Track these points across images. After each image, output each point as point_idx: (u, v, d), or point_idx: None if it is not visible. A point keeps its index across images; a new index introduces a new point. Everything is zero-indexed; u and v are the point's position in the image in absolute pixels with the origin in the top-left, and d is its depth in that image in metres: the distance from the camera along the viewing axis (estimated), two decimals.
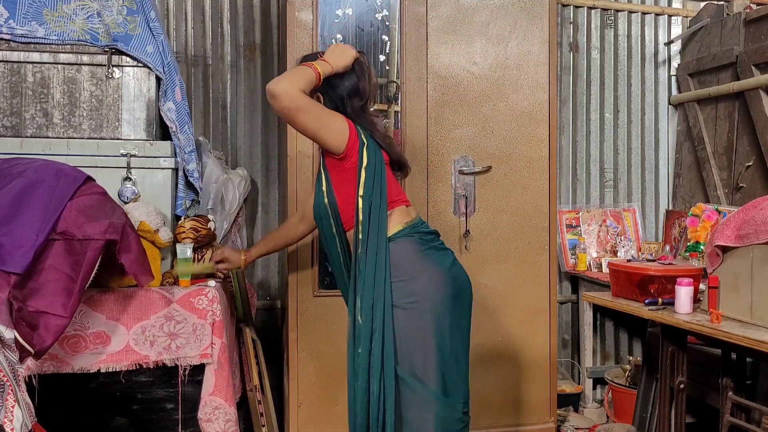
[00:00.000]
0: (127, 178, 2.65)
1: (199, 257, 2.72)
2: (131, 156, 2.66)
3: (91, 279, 2.15)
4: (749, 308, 2.19)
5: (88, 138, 2.70)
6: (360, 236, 2.08)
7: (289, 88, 2.02)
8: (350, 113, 2.15)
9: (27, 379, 2.24)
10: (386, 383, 1.99)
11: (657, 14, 4.20)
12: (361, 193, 2.09)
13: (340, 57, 2.16)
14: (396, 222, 2.14)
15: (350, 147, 2.11)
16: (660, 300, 2.47)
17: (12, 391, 1.89)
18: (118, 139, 2.73)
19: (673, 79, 4.23)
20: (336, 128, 2.10)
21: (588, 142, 4.09)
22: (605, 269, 3.69)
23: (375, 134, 2.17)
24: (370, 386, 1.99)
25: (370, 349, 2.01)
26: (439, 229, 3.02)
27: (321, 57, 2.14)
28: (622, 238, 3.95)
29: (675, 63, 4.22)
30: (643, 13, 4.18)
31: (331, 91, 2.16)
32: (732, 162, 3.78)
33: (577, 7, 4.06)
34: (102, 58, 2.72)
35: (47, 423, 2.24)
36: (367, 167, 2.10)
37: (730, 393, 2.37)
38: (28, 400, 1.96)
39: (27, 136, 2.67)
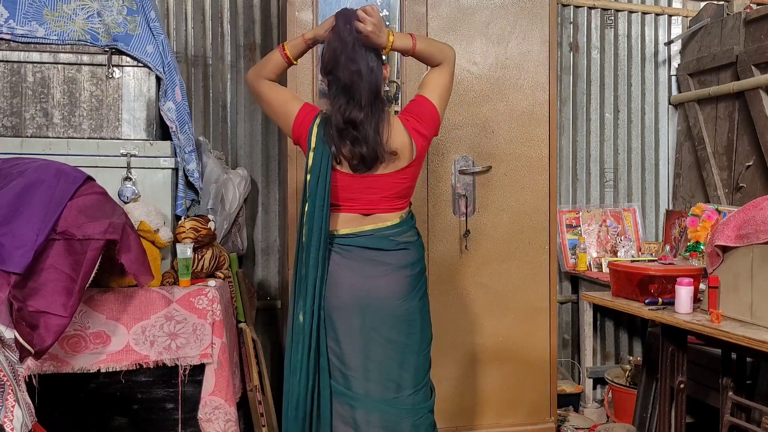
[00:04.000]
0: (127, 178, 2.65)
1: (199, 257, 2.72)
2: (131, 156, 2.66)
3: (91, 279, 2.15)
4: (749, 308, 2.19)
5: (88, 138, 2.70)
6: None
7: (249, 74, 2.12)
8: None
9: (27, 379, 2.24)
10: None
11: (657, 14, 4.20)
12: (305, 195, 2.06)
13: (318, 27, 2.11)
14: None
15: (296, 140, 2.10)
16: (660, 300, 2.47)
17: (12, 390, 1.89)
18: (118, 139, 2.73)
19: (673, 79, 4.23)
20: (282, 118, 2.09)
21: (588, 142, 4.09)
22: (605, 269, 3.69)
23: (327, 125, 2.03)
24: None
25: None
26: (439, 229, 3.05)
27: None
28: (622, 238, 3.95)
29: (675, 63, 4.22)
30: (643, 13, 4.18)
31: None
32: (732, 162, 3.79)
33: (577, 7, 4.06)
34: (102, 58, 2.72)
35: (47, 423, 2.24)
36: (311, 168, 2.03)
37: (730, 393, 2.37)
38: (28, 400, 1.97)
39: (27, 136, 2.67)
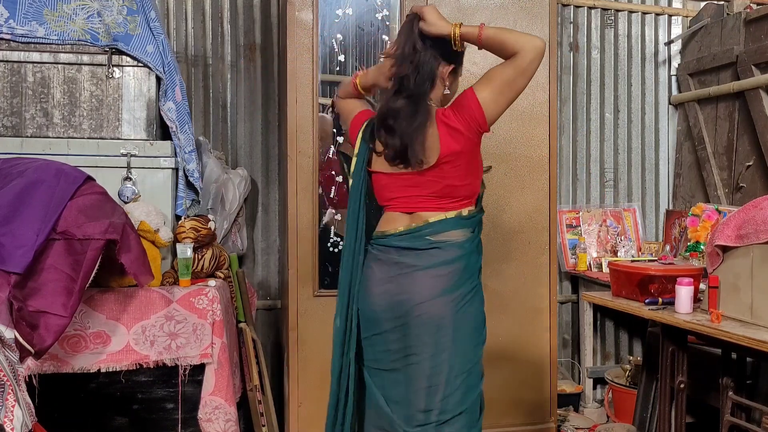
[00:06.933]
0: (127, 178, 2.65)
1: (199, 257, 2.72)
2: (131, 156, 2.66)
3: (91, 279, 2.15)
4: (749, 308, 2.19)
5: (88, 138, 2.71)
6: None
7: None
8: None
9: (27, 379, 2.24)
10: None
11: (657, 14, 4.20)
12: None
13: (376, 71, 2.09)
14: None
15: (352, 145, 2.08)
16: (660, 300, 2.47)
17: (12, 390, 1.89)
18: (119, 139, 2.73)
19: (674, 78, 4.23)
20: (345, 127, 2.16)
21: (588, 142, 4.09)
22: (605, 269, 3.69)
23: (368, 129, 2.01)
24: None
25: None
26: None
27: None
28: (623, 238, 3.95)
29: (675, 63, 4.22)
30: (644, 13, 4.18)
31: None
32: (732, 162, 3.78)
33: (577, 7, 4.06)
34: (102, 58, 2.72)
35: (47, 423, 2.24)
36: (353, 172, 2.03)
37: (730, 393, 2.37)
38: (29, 400, 1.97)
39: (27, 136, 2.67)
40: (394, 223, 1.99)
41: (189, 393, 2.55)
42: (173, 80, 2.78)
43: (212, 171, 3.07)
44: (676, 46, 4.22)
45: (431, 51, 1.95)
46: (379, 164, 1.99)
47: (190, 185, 2.82)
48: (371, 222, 2.06)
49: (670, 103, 4.23)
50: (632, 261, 3.15)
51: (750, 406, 2.34)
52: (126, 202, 2.60)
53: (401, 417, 1.93)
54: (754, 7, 3.76)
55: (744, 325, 2.16)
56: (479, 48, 1.95)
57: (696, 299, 2.42)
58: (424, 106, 1.92)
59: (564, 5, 4.02)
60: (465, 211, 1.98)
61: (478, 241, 2.04)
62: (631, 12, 4.15)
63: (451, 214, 1.96)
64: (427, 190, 1.96)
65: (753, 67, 3.59)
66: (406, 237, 1.95)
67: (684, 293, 2.34)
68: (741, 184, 3.68)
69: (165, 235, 2.57)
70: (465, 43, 1.95)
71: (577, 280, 3.95)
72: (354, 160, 2.02)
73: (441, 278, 1.93)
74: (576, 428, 3.40)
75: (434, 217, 1.95)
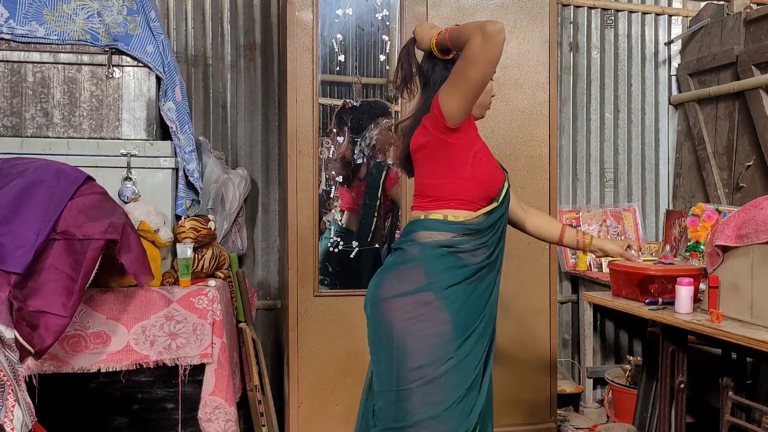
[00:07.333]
0: (127, 178, 2.65)
1: (199, 257, 2.72)
2: (131, 156, 2.66)
3: (91, 279, 2.15)
4: (749, 308, 2.18)
5: (88, 138, 2.71)
6: None
7: None
8: None
9: (27, 379, 2.24)
10: None
11: (657, 14, 4.20)
12: None
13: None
14: None
15: None
16: (660, 300, 2.47)
17: (12, 390, 1.89)
18: (119, 139, 2.73)
19: (674, 78, 4.23)
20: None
21: (588, 142, 4.09)
22: (605, 269, 3.69)
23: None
24: None
25: None
26: None
27: None
28: (623, 238, 3.95)
29: (675, 63, 4.22)
30: (644, 13, 4.18)
31: None
32: (732, 162, 3.78)
33: (577, 7, 4.06)
34: (102, 58, 2.72)
35: (47, 423, 2.24)
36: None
37: (731, 393, 2.37)
38: (29, 400, 1.97)
39: (27, 136, 2.67)
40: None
41: (189, 393, 2.55)
42: (173, 80, 2.78)
43: (212, 171, 3.07)
44: (676, 46, 4.22)
45: (433, 61, 2.01)
46: None
47: (190, 185, 2.82)
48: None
49: (670, 103, 4.23)
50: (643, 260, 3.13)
51: (750, 406, 2.34)
52: (126, 202, 2.60)
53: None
54: (754, 7, 3.75)
55: (744, 325, 2.16)
56: (454, 50, 1.93)
57: (696, 299, 2.42)
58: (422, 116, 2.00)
59: (564, 5, 4.02)
60: (433, 212, 1.92)
61: (454, 255, 1.88)
62: (631, 12, 4.15)
63: (424, 214, 1.94)
64: (415, 189, 2.03)
65: (753, 67, 3.59)
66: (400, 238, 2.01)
67: (684, 293, 2.33)
68: (741, 184, 3.68)
69: (165, 235, 2.57)
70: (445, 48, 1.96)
71: (577, 280, 3.95)
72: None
73: (391, 279, 1.88)
74: (576, 428, 3.40)
75: (412, 216, 2.00)
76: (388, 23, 2.98)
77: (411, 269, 1.87)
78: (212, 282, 2.60)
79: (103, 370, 2.40)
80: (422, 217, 1.94)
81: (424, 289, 1.83)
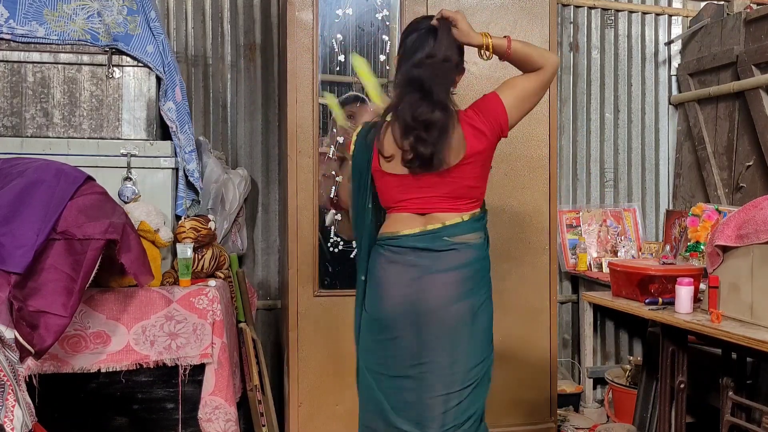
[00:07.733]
0: (127, 178, 2.65)
1: (199, 257, 2.72)
2: (131, 156, 2.66)
3: (91, 279, 2.15)
4: (749, 308, 2.19)
5: (88, 138, 2.71)
6: None
7: None
8: None
9: (27, 379, 2.24)
10: None
11: (657, 14, 4.20)
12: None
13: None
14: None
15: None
16: (660, 300, 2.47)
17: (12, 390, 1.89)
18: (119, 138, 2.73)
19: (674, 78, 4.23)
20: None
21: (588, 142, 4.09)
22: (605, 269, 3.69)
23: (373, 130, 2.00)
24: None
25: None
26: None
27: None
28: (623, 238, 3.95)
29: (675, 63, 4.22)
30: (644, 13, 4.18)
31: None
32: (732, 162, 3.78)
33: (577, 7, 4.06)
34: (102, 58, 2.72)
35: (47, 423, 2.24)
36: (351, 175, 2.05)
37: (731, 393, 2.37)
38: (29, 400, 1.97)
39: (27, 136, 2.67)
40: (407, 223, 1.96)
41: (189, 393, 2.55)
42: (173, 80, 2.78)
43: (212, 171, 3.07)
44: (676, 46, 4.22)
45: (460, 58, 2.00)
46: (390, 167, 1.96)
47: (190, 185, 2.82)
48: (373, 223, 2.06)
49: (670, 103, 4.23)
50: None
51: (750, 406, 2.34)
52: (126, 202, 2.60)
53: (411, 423, 1.90)
54: (754, 7, 3.76)
55: (744, 325, 2.16)
56: (501, 59, 2.00)
57: (696, 299, 2.42)
58: (453, 114, 1.93)
59: (564, 5, 4.01)
60: (477, 213, 2.00)
61: (488, 246, 2.04)
62: (631, 12, 4.15)
63: (466, 215, 1.97)
64: (442, 190, 1.95)
65: (753, 67, 3.59)
66: (424, 238, 1.93)
67: (684, 293, 2.33)
68: (741, 184, 3.68)
69: (165, 235, 2.57)
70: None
71: (577, 280, 3.95)
72: (351, 163, 2.04)
73: (458, 283, 1.92)
74: (576, 428, 3.40)
75: (450, 219, 1.94)
76: (388, 23, 2.98)
77: (471, 270, 1.98)
78: (212, 282, 2.60)
79: (103, 370, 2.40)
80: (461, 219, 1.96)
81: (486, 287, 2.04)
